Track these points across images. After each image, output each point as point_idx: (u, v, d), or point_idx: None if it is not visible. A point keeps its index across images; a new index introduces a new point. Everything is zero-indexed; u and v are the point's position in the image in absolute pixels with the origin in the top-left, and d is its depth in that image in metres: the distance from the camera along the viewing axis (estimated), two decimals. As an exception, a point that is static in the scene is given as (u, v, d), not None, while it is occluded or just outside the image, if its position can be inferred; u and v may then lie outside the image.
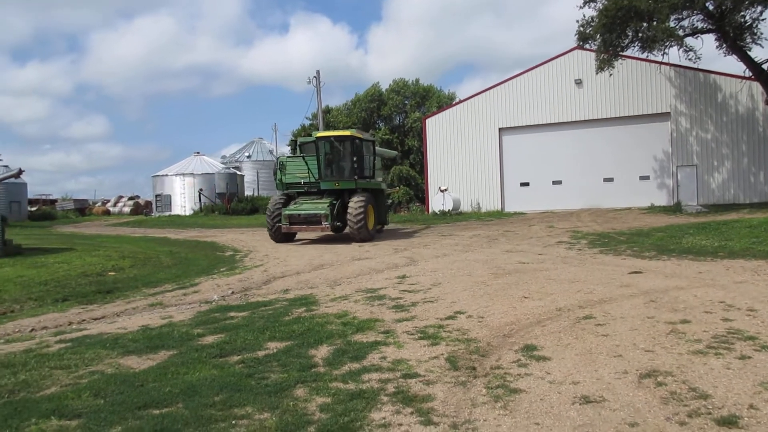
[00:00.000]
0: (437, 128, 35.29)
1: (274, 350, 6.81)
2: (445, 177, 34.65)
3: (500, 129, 33.55)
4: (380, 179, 24.32)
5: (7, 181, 45.36)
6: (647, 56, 25.08)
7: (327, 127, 62.96)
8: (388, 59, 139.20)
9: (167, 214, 47.28)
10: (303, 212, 19.83)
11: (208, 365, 6.37)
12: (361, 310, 8.85)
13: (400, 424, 4.49)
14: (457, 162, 34.55)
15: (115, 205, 69.24)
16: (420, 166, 51.39)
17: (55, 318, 10.47)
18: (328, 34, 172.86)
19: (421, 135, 43.02)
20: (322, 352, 6.63)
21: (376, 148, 22.96)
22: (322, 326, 7.82)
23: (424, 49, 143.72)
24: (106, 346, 7.62)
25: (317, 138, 20.94)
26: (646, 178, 30.63)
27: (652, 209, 27.67)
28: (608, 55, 23.84)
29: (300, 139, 23.10)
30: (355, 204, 19.51)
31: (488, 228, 23.97)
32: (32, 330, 9.63)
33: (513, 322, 7.35)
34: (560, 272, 10.96)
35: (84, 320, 10.24)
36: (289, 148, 23.03)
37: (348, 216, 19.55)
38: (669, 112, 29.70)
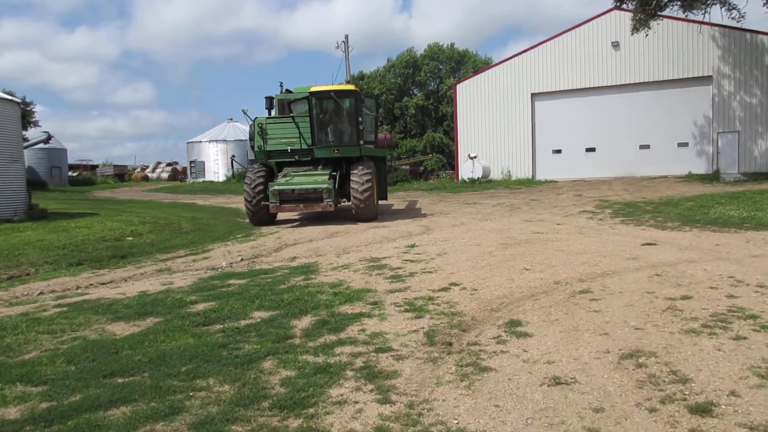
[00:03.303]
0: (468, 94, 34.44)
1: (258, 320, 6.71)
2: (476, 144, 33.93)
3: (533, 94, 32.50)
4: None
5: (44, 146, 46.61)
6: (687, 16, 23.72)
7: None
8: (432, 23, 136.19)
9: (200, 180, 47.91)
10: (297, 187, 15.94)
11: (188, 334, 6.31)
12: (357, 279, 8.68)
13: (356, 402, 4.32)
14: (488, 128, 33.75)
15: (153, 171, 70.57)
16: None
17: (64, 282, 10.65)
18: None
19: (456, 101, 42.10)
20: (304, 322, 6.49)
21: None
22: (313, 296, 7.68)
23: (469, 12, 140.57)
24: (99, 311, 7.67)
25: (311, 93, 16.97)
26: (685, 145, 29.33)
27: (690, 177, 26.55)
28: (645, 14, 22.63)
29: (279, 97, 18.48)
30: (360, 176, 16.11)
31: (514, 196, 23.44)
32: (40, 293, 9.81)
33: (506, 295, 7.07)
34: (571, 243, 10.55)
35: (92, 284, 10.38)
36: (266, 108, 18.32)
37: (353, 190, 16.21)
38: (711, 76, 28.18)
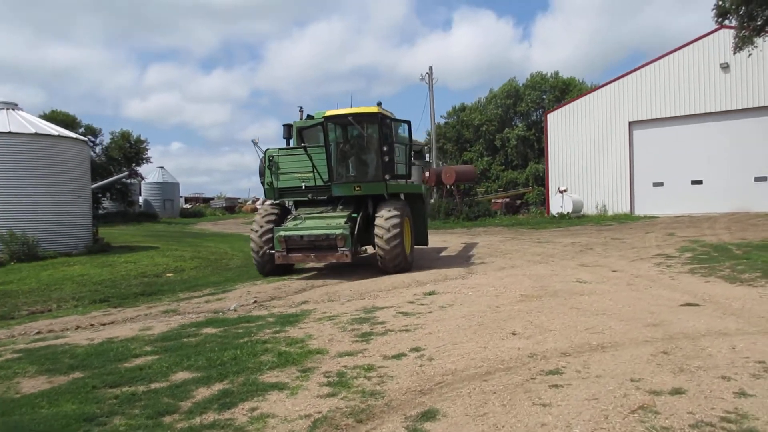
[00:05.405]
0: (560, 123, 32.48)
1: (167, 384, 5.92)
2: (568, 176, 31.75)
3: (630, 122, 29.92)
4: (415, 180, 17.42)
5: (159, 180, 49.97)
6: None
7: (461, 128, 60.89)
8: (553, 51, 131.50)
9: (295, 212, 48.93)
10: (307, 233, 13.18)
11: (78, 398, 5.63)
12: (325, 335, 7.66)
13: None
14: (581, 160, 31.49)
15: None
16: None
17: (69, 321, 10.56)
18: (491, 28, 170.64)
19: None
20: (209, 391, 5.61)
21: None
22: (254, 356, 6.77)
23: (592, 39, 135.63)
24: (41, 361, 7.27)
25: (326, 118, 13.98)
26: (811, 176, 25.48)
27: (815, 215, 22.85)
28: (748, 31, 19.87)
29: (298, 124, 15.67)
30: (387, 217, 13.21)
31: (597, 234, 21.24)
32: (38, 332, 9.74)
33: (459, 370, 5.74)
34: (600, 299, 8.84)
35: (93, 325, 10.19)
36: (284, 138, 15.43)
37: (377, 235, 13.23)
38: (843, 98, 24.40)
